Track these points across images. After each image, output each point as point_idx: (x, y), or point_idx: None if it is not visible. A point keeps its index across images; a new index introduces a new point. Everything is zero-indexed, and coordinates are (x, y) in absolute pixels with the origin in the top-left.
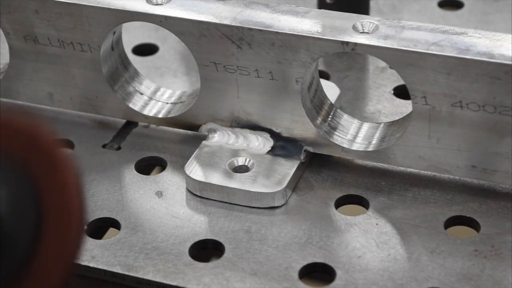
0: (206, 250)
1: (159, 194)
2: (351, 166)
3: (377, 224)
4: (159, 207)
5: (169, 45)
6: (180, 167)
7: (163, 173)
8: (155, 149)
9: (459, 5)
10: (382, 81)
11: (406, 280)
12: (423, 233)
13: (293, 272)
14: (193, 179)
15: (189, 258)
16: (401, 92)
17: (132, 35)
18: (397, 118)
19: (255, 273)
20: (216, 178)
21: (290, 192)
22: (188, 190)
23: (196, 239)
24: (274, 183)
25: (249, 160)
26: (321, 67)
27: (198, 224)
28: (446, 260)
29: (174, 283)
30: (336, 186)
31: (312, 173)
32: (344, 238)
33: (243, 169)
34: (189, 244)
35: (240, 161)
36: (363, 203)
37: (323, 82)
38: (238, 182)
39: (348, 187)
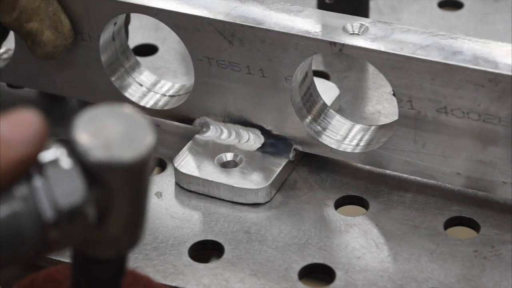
0: (205, 250)
1: (159, 194)
2: (350, 167)
3: (376, 224)
4: (158, 207)
5: (169, 45)
6: None
7: (163, 173)
8: (155, 149)
9: (459, 6)
10: (381, 81)
11: (406, 281)
12: (423, 234)
13: (292, 273)
14: (180, 171)
15: (189, 259)
16: None
17: (132, 35)
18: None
19: (254, 274)
20: (203, 172)
21: (275, 190)
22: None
23: (196, 239)
24: (259, 179)
25: (238, 156)
26: (321, 67)
27: (197, 225)
28: (446, 261)
29: (173, 284)
30: (336, 187)
31: (312, 174)
32: (343, 238)
33: (231, 164)
34: (188, 245)
35: (229, 156)
36: (363, 203)
37: (323, 82)
38: (224, 177)
39: (347, 188)
